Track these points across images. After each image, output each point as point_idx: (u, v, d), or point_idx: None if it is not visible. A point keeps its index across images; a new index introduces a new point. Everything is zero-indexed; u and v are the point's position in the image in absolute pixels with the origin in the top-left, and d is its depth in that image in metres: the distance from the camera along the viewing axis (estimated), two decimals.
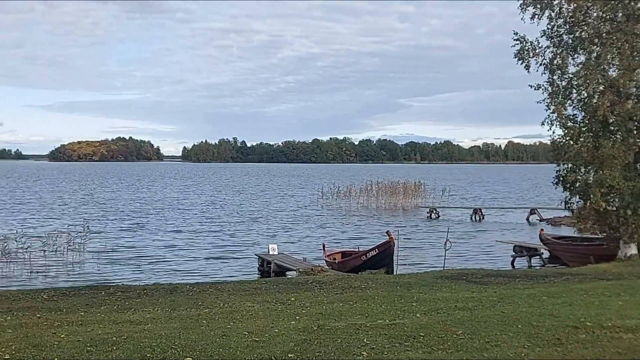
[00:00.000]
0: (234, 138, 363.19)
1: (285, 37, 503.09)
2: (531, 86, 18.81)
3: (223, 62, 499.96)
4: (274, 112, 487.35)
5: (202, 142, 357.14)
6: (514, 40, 18.81)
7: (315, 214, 43.27)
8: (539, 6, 18.49)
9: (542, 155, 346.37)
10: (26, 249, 24.12)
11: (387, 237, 18.73)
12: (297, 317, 10.05)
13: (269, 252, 23.16)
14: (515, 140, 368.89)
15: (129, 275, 21.15)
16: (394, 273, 18.16)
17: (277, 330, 8.99)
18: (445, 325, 8.86)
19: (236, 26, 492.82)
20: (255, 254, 24.11)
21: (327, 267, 19.82)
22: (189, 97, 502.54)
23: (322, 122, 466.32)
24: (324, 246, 23.43)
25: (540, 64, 18.68)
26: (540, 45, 18.68)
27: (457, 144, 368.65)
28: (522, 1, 18.68)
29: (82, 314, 11.50)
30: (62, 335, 9.37)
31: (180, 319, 10.45)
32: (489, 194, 71.51)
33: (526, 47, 18.65)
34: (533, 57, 18.68)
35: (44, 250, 24.48)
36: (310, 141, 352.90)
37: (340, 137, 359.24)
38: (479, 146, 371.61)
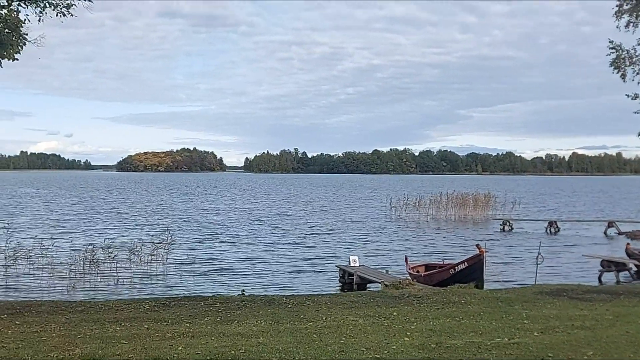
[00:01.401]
0: (295, 149, 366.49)
1: (346, 49, 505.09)
2: (628, 95, 18.23)
3: (285, 74, 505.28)
4: (335, 123, 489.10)
5: (263, 152, 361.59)
6: (610, 48, 18.27)
7: (387, 226, 42.94)
8: (635, 14, 17.90)
9: (607, 167, 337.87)
10: (112, 258, 24.65)
11: (477, 250, 18.36)
12: (408, 333, 9.93)
13: (349, 263, 23.03)
14: (579, 152, 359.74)
15: (214, 287, 21.29)
16: (484, 287, 17.78)
17: (394, 347, 8.90)
18: (572, 345, 8.59)
19: (298, 38, 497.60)
20: (337, 266, 24.00)
21: (412, 280, 19.56)
22: (251, 109, 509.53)
23: (382, 133, 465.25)
24: (406, 259, 23.15)
25: (638, 73, 18.07)
26: (637, 54, 18.08)
27: (519, 155, 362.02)
28: (617, 9, 18.13)
29: (188, 325, 11.66)
30: (179, 348, 9.51)
31: (290, 332, 10.46)
32: (560, 206, 69.71)
33: (622, 56, 18.09)
34: (630, 65, 18.09)
35: (129, 261, 24.97)
36: (370, 152, 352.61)
37: (401, 148, 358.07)
38: (541, 157, 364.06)
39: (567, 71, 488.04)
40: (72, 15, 14.67)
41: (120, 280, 22.60)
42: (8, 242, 26.81)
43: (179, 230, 37.65)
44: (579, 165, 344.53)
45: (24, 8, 14.15)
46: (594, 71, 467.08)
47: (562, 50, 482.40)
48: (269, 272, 24.73)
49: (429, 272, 20.62)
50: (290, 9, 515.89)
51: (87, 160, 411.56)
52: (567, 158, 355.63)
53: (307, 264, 26.65)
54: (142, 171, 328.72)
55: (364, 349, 8.82)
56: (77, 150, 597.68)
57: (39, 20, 14.20)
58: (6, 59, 14.13)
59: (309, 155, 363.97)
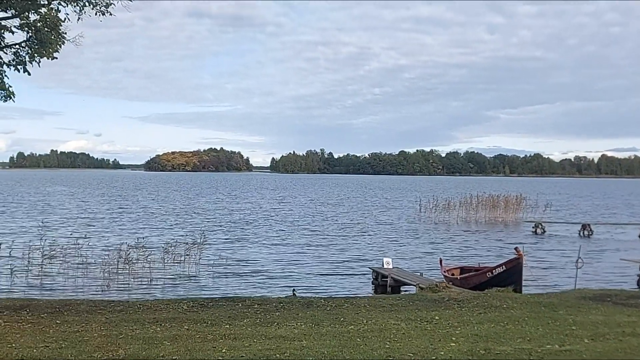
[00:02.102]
0: (321, 149, 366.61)
1: (372, 49, 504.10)
2: None
3: (311, 74, 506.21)
4: (361, 124, 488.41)
5: (290, 153, 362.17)
6: None
7: (417, 228, 42.63)
8: None
9: (637, 170, 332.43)
10: (146, 258, 24.73)
11: (516, 253, 18.06)
12: (454, 339, 9.77)
13: (383, 265, 22.84)
14: (609, 154, 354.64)
15: (248, 288, 21.22)
16: (522, 292, 17.48)
17: (442, 353, 8.75)
18: (626, 353, 8.39)
19: (324, 39, 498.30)
20: (370, 268, 23.82)
21: (447, 282, 19.32)
22: (278, 109, 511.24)
23: (408, 133, 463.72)
24: (440, 261, 22.90)
25: None
26: None
27: (548, 157, 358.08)
28: None
29: (227, 326, 11.61)
30: (223, 350, 9.46)
31: (333, 336, 10.36)
32: (592, 208, 68.75)
33: None
34: None
35: (163, 261, 25.03)
36: (396, 153, 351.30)
37: (427, 149, 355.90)
38: (570, 159, 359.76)
39: (596, 72, 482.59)
40: (110, 14, 14.74)
41: (153, 280, 22.67)
42: (43, 240, 27.11)
43: (209, 230, 37.68)
44: (608, 167, 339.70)
45: (64, 7, 14.22)
46: (623, 72, 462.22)
47: (590, 51, 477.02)
48: (301, 273, 24.63)
49: (464, 275, 20.35)
50: (317, 9, 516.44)
51: (115, 159, 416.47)
52: (596, 160, 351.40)
53: (338, 265, 26.50)
54: (169, 171, 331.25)
55: (411, 354, 8.68)
56: (105, 149, 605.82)
57: (78, 19, 14.27)
58: (45, 58, 14.26)
59: (335, 156, 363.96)
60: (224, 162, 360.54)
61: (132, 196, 79.64)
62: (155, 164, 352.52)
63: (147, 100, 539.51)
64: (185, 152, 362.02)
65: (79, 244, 26.01)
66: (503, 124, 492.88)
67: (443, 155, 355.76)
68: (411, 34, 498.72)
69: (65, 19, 14.18)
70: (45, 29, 14.09)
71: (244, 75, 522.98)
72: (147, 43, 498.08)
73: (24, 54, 14.43)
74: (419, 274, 22.37)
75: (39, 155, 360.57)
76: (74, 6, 14.27)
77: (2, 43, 14.42)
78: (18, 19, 14.37)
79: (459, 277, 20.05)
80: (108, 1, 14.41)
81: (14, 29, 14.35)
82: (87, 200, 69.43)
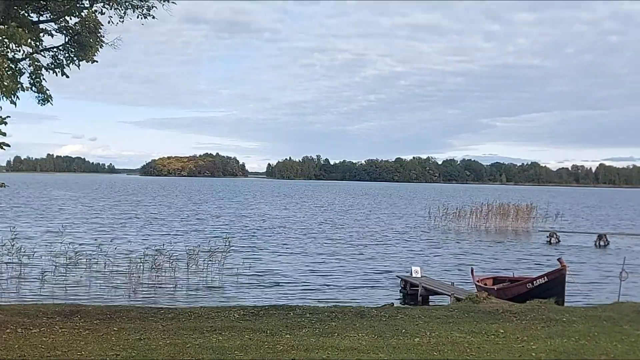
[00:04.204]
0: (317, 156, 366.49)
1: (369, 56, 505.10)
2: None
3: (307, 80, 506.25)
4: (356, 130, 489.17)
5: (286, 159, 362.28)
6: None
7: (432, 236, 42.48)
8: None
9: (636, 179, 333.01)
10: (171, 263, 24.55)
11: (559, 264, 17.87)
12: (534, 354, 9.63)
13: (411, 274, 22.67)
14: (606, 163, 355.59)
15: (277, 297, 21.03)
16: (564, 304, 17.32)
17: None
18: None
19: (321, 45, 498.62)
20: (398, 276, 23.69)
21: (480, 293, 19.12)
22: (274, 115, 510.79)
23: (403, 140, 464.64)
24: (472, 270, 22.71)
25: None
26: None
27: (545, 166, 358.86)
28: None
29: (289, 336, 11.43)
30: None
31: (406, 349, 10.23)
32: (605, 218, 68.84)
33: None
34: None
35: (187, 267, 24.83)
36: (392, 160, 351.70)
37: (423, 156, 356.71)
38: (567, 168, 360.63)
39: (594, 81, 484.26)
40: (153, 17, 14.63)
41: (178, 286, 22.49)
42: (65, 245, 26.92)
43: (225, 238, 37.23)
44: (606, 177, 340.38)
45: (107, 9, 14.08)
46: (621, 81, 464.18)
47: (588, 59, 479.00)
48: (325, 282, 24.41)
49: (501, 285, 20.16)
50: (314, 15, 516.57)
51: (110, 163, 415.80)
52: (593, 169, 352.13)
53: (361, 274, 26.31)
54: (165, 175, 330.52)
55: None
56: (100, 153, 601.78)
57: (118, 22, 14.18)
58: (84, 61, 14.10)
59: (331, 162, 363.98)
60: (219, 167, 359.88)
61: (136, 201, 79.30)
62: (151, 169, 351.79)
63: (142, 105, 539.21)
64: (181, 157, 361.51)
65: (102, 250, 25.86)
66: (499, 132, 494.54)
67: (440, 162, 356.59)
68: (408, 41, 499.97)
69: (109, 21, 14.06)
70: (85, 32, 13.91)
71: (240, 81, 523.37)
72: (144, 48, 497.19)
73: (62, 57, 14.28)
74: (450, 283, 22.23)
75: (35, 159, 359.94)
76: (117, 10, 14.15)
77: (41, 46, 14.26)
78: (57, 22, 14.25)
79: (495, 287, 19.83)
80: (150, 4, 14.32)
81: (53, 33, 14.23)
82: (92, 204, 69.08)
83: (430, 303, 20.71)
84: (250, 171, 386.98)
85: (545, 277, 18.09)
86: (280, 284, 23.59)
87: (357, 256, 31.33)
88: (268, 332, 11.79)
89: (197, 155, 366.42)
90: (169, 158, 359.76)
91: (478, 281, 21.31)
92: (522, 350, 9.89)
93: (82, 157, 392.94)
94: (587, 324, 12.28)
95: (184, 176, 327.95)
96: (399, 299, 21.85)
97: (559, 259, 18.47)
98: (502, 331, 11.57)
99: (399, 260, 30.18)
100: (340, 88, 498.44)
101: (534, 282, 18.30)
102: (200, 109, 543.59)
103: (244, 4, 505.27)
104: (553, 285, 17.61)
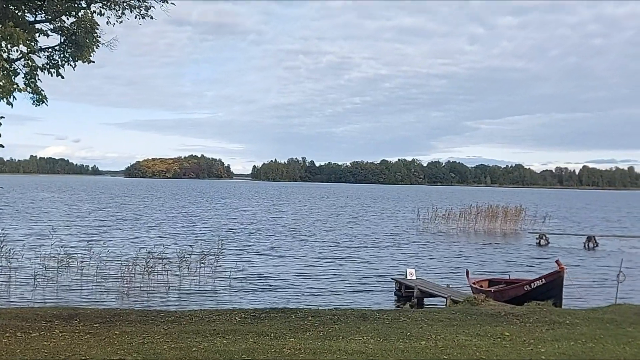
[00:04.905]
0: (302, 158, 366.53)
1: (353, 59, 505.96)
2: None
3: (292, 82, 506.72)
4: (341, 133, 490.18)
5: (271, 161, 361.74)
6: None
7: (422, 238, 42.46)
8: None
9: (619, 181, 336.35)
10: (163, 266, 24.35)
11: (557, 266, 17.88)
12: (543, 357, 9.63)
13: (406, 276, 22.63)
14: (590, 165, 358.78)
15: (271, 300, 20.82)
16: (562, 306, 17.32)
17: None
18: None
19: (305, 48, 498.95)
20: (392, 278, 23.63)
21: (478, 295, 19.09)
22: (258, 117, 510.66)
23: (388, 143, 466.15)
24: (467, 272, 22.66)
25: None
26: None
27: (529, 168, 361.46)
28: None
29: (293, 340, 11.31)
30: None
31: (415, 352, 10.17)
32: (590, 220, 69.29)
33: None
34: None
35: (179, 269, 24.62)
36: (378, 162, 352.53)
37: (408, 158, 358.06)
38: (551, 170, 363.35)
39: (578, 84, 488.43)
40: (151, 17, 14.47)
41: (170, 288, 22.31)
42: (55, 248, 26.60)
43: (215, 240, 37.00)
44: (589, 179, 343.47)
45: (105, 10, 13.91)
46: (605, 84, 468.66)
47: (572, 62, 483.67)
48: (316, 285, 24.29)
49: (498, 287, 20.14)
50: (299, 18, 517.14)
51: (94, 165, 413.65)
52: (576, 171, 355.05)
53: (353, 276, 26.24)
54: (150, 177, 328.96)
55: None
56: (84, 155, 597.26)
57: (115, 23, 14.01)
58: (80, 61, 13.91)
59: (317, 164, 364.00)
60: (204, 169, 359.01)
61: (123, 203, 78.70)
62: (136, 171, 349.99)
63: (127, 106, 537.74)
64: (166, 159, 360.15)
65: (92, 253, 25.60)
66: (483, 134, 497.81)
67: (424, 164, 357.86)
68: (392, 44, 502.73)
69: (107, 22, 13.89)
70: (81, 32, 13.73)
71: (224, 83, 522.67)
72: (128, 50, 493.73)
73: (57, 58, 14.09)
74: (445, 285, 22.20)
75: (19, 160, 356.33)
76: (115, 10, 13.99)
77: (36, 46, 14.06)
78: (53, 22, 14.06)
79: (492, 289, 19.81)
80: (148, 4, 14.17)
81: (49, 32, 14.04)
82: (79, 206, 68.47)
83: (425, 305, 20.71)
84: (235, 173, 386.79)
85: (543, 279, 18.09)
86: (274, 287, 23.44)
87: (349, 258, 31.24)
88: (272, 335, 11.67)
89: (182, 157, 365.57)
90: (153, 160, 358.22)
91: (474, 283, 21.31)
92: (532, 353, 9.86)
93: (66, 159, 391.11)
94: (591, 326, 12.28)
95: (169, 178, 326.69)
96: (393, 301, 21.84)
97: (556, 261, 18.47)
98: (507, 334, 11.52)
99: (391, 263, 30.18)
100: (325, 90, 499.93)
101: (532, 284, 18.31)
102: (184, 111, 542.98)
103: (229, 5, 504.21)
104: (551, 288, 17.62)
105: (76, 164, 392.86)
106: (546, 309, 14.70)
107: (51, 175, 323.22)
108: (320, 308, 15.92)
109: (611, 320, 12.98)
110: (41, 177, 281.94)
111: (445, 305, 18.84)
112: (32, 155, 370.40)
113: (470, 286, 21.24)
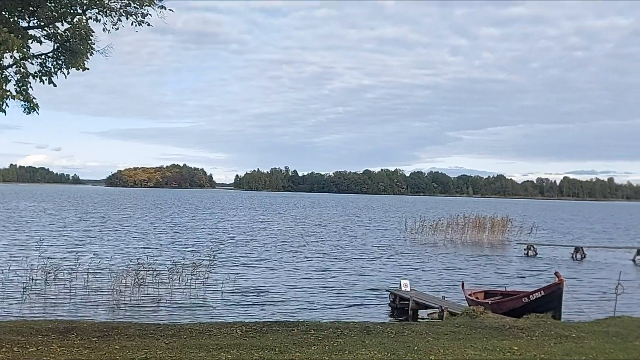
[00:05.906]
0: (285, 167, 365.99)
1: (336, 69, 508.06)
2: None
3: (275, 92, 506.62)
4: (323, 142, 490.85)
5: (254, 170, 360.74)
6: None
7: (411, 249, 42.30)
8: None
9: (599, 192, 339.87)
10: (154, 277, 23.97)
11: (556, 278, 17.76)
12: None
13: (400, 287, 22.44)
14: (570, 176, 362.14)
15: (268, 313, 20.49)
16: (561, 319, 17.20)
17: None
18: None
19: (288, 57, 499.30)
20: (387, 290, 23.42)
21: (477, 307, 18.91)
22: (241, 127, 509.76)
23: (371, 153, 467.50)
24: (463, 284, 22.52)
25: None
26: None
27: (510, 178, 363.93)
28: None
29: (299, 354, 11.12)
30: None
31: None
32: (581, 231, 69.69)
33: None
34: None
35: (169, 280, 24.23)
36: (360, 172, 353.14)
37: (391, 168, 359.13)
38: (532, 181, 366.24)
39: (560, 96, 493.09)
40: (148, 24, 14.23)
41: (161, 300, 21.92)
42: (43, 260, 26.07)
43: (209, 250, 36.48)
44: (570, 190, 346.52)
45: (102, 17, 13.66)
46: (586, 96, 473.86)
47: (554, 74, 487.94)
48: (310, 297, 23.90)
49: (495, 299, 20.00)
50: (282, 27, 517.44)
51: (75, 174, 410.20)
52: (557, 182, 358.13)
53: (345, 287, 25.95)
54: (131, 186, 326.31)
55: None
56: (65, 164, 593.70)
57: (111, 29, 13.75)
58: (74, 69, 13.64)
59: (300, 174, 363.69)
60: (187, 178, 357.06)
61: (107, 213, 77.79)
62: (117, 180, 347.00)
63: (108, 115, 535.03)
64: (148, 168, 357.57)
65: (80, 265, 25.16)
66: (465, 145, 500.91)
67: (407, 174, 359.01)
68: (375, 54, 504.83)
69: (103, 29, 13.63)
70: (76, 39, 13.48)
71: (206, 93, 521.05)
72: (110, 58, 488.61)
73: (50, 65, 13.81)
74: (440, 296, 22.04)
75: None
76: (111, 17, 13.74)
77: (29, 53, 13.77)
78: (46, 28, 13.80)
79: (489, 301, 19.66)
80: (144, 11, 13.94)
81: (42, 39, 13.77)
82: (63, 216, 67.56)
83: (419, 316, 20.55)
84: (217, 182, 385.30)
85: (542, 292, 17.96)
86: (267, 300, 23.01)
87: (340, 270, 30.94)
88: (276, 349, 11.44)
89: (164, 167, 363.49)
90: (135, 169, 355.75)
91: (470, 295, 21.13)
92: None
93: (46, 168, 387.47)
94: (598, 340, 12.18)
95: (151, 187, 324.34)
96: (387, 313, 21.62)
97: (555, 273, 18.37)
98: (515, 348, 11.38)
99: (383, 274, 29.93)
100: (308, 100, 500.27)
101: (530, 296, 18.17)
102: (166, 120, 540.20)
103: (213, 15, 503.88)
104: (550, 300, 17.48)
105: (57, 173, 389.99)
106: (549, 322, 14.57)
107: (31, 184, 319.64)
108: (322, 321, 15.67)
109: (617, 333, 12.88)
110: (21, 186, 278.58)
111: (442, 317, 18.67)
112: (11, 164, 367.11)
113: (466, 298, 21.07)
